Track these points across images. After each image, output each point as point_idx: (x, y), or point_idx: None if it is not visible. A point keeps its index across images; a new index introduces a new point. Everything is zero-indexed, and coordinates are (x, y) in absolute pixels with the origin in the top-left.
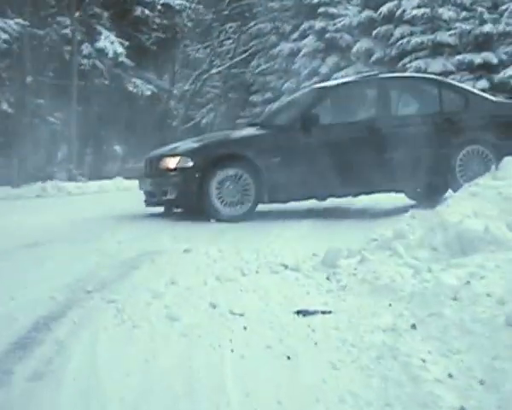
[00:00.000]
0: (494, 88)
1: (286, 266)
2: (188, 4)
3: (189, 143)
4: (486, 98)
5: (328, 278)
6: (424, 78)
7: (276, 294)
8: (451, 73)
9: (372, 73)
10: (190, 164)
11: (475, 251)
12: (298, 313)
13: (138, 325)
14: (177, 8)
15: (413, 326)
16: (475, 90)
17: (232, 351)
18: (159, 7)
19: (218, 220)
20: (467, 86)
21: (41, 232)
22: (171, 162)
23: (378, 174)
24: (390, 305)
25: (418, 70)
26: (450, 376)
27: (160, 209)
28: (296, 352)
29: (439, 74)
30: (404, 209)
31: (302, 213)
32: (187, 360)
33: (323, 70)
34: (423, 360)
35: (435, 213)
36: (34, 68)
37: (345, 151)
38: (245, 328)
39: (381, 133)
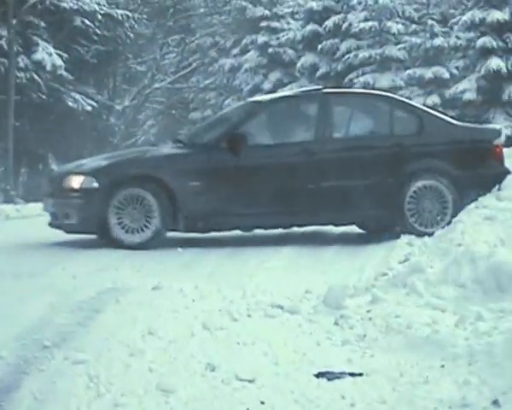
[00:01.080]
0: (445, 103)
1: (281, 308)
2: (130, 15)
3: (98, 161)
4: (446, 121)
5: (337, 324)
6: (374, 94)
7: (283, 347)
8: (400, 88)
9: (315, 87)
10: (95, 185)
11: None
12: (319, 375)
13: (121, 402)
14: (120, 18)
15: (495, 403)
16: (434, 112)
17: None
18: (99, 17)
19: (121, 247)
20: (424, 107)
21: None
22: (75, 181)
23: (312, 204)
24: (443, 366)
25: (366, 85)
26: None
27: None
28: None
29: (388, 90)
30: (389, 236)
31: (278, 239)
32: None
33: (266, 86)
34: None
35: (447, 240)
36: None
37: (275, 177)
38: (262, 403)
39: (318, 158)
